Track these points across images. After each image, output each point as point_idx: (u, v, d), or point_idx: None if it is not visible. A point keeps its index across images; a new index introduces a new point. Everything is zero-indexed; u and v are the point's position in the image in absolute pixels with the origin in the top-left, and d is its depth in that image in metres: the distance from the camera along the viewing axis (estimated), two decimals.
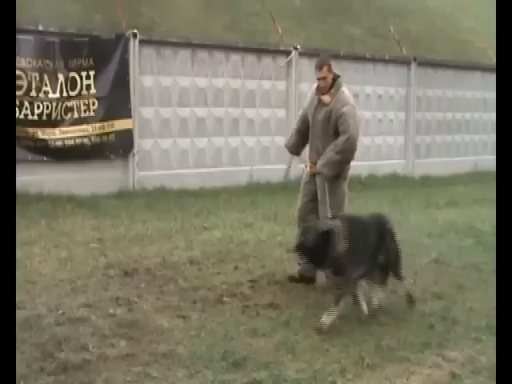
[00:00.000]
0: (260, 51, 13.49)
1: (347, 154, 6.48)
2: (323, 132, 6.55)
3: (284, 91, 13.80)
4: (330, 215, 6.26)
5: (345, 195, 6.64)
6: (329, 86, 6.59)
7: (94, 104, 11.24)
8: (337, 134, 6.45)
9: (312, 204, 6.71)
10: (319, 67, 6.59)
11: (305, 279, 6.67)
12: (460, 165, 16.49)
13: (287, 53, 13.78)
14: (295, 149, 7.10)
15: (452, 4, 20.64)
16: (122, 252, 7.70)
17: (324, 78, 6.57)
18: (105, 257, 7.46)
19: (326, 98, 6.55)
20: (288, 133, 13.66)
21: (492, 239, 8.77)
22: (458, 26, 19.60)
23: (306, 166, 6.92)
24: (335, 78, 6.62)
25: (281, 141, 13.68)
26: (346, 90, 6.64)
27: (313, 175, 6.71)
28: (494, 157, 17.61)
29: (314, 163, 6.65)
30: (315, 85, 6.77)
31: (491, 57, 18.07)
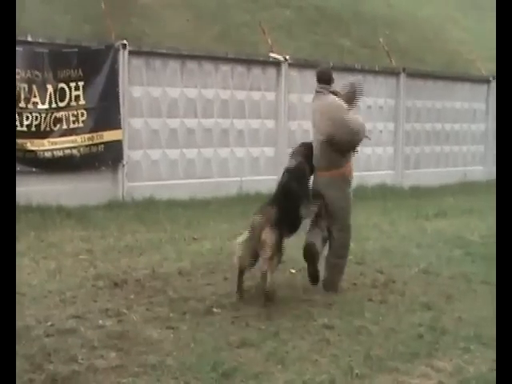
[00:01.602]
0: (249, 62, 13.53)
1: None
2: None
3: (273, 102, 13.84)
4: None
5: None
6: None
7: (83, 115, 11.23)
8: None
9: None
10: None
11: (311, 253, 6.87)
12: (449, 175, 16.57)
13: (276, 64, 13.82)
14: None
15: (441, 15, 20.82)
16: (112, 263, 7.69)
17: None
18: (94, 268, 7.45)
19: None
20: (278, 143, 13.83)
21: (481, 249, 8.89)
22: (447, 37, 19.75)
23: None
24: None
25: (270, 151, 13.76)
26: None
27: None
28: (482, 167, 17.77)
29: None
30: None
31: (480, 68, 18.22)
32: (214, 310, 6.19)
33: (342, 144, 6.66)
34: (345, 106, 6.70)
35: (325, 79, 6.84)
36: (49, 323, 5.62)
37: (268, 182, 13.39)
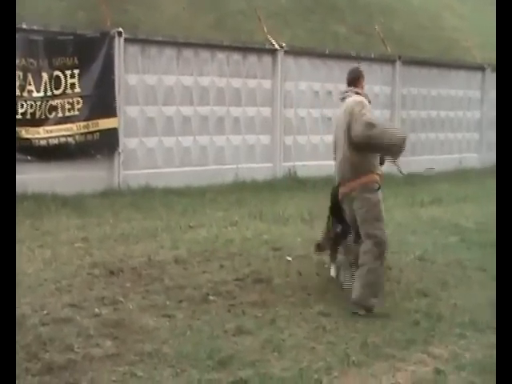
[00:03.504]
0: (245, 50, 13.48)
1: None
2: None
3: (269, 90, 13.80)
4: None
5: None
6: None
7: (78, 103, 11.19)
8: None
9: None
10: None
11: None
12: (444, 162, 16.57)
13: (272, 51, 13.78)
14: None
15: (436, 3, 20.73)
16: (107, 251, 7.67)
17: None
18: (90, 256, 7.43)
19: None
20: (273, 131, 13.82)
21: (476, 236, 8.90)
22: (443, 24, 19.69)
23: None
24: None
25: (266, 139, 13.74)
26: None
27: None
28: (477, 155, 17.79)
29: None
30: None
31: (475, 55, 18.19)
32: (211, 297, 6.19)
33: (378, 147, 5.98)
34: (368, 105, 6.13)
35: (350, 80, 6.34)
36: (44, 312, 5.61)
37: (264, 169, 13.45)
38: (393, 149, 5.98)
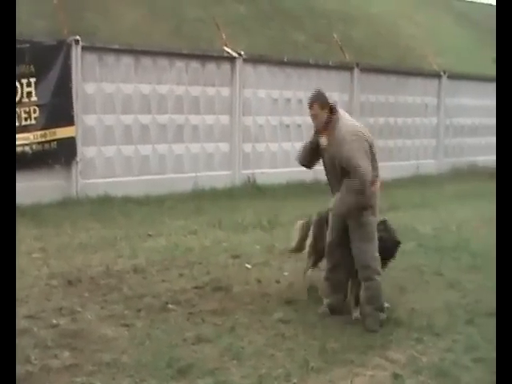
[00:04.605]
0: (204, 58, 13.48)
1: (357, 195, 5.71)
2: (334, 173, 5.91)
3: (228, 98, 13.81)
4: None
5: (373, 227, 5.96)
6: (323, 123, 5.87)
7: (35, 112, 11.05)
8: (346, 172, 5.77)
9: (340, 238, 6.03)
10: (309, 105, 5.90)
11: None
12: (402, 169, 16.74)
13: (231, 59, 13.81)
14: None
15: (394, 11, 21.01)
16: (66, 261, 7.60)
17: (315, 116, 5.87)
18: (47, 266, 7.36)
19: (323, 141, 5.90)
20: (232, 139, 13.83)
21: (433, 241, 9.02)
22: (400, 32, 19.95)
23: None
24: (333, 111, 5.89)
25: (225, 147, 13.75)
26: (344, 122, 5.91)
27: None
28: (433, 161, 18.03)
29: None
30: None
31: (431, 62, 18.47)
32: (170, 306, 6.18)
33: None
34: None
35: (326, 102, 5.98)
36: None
37: (223, 177, 13.46)
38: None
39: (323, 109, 5.86)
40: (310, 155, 6.13)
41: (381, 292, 5.93)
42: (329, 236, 6.16)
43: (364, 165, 5.72)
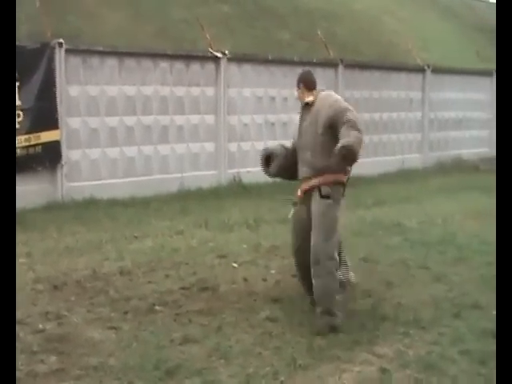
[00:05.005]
0: (188, 58, 13.46)
1: (357, 146, 5.43)
2: (313, 138, 5.69)
3: (213, 97, 13.79)
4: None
5: (337, 219, 5.74)
6: (300, 97, 5.90)
7: (19, 116, 10.95)
8: (328, 134, 5.60)
9: (308, 243, 5.72)
10: (296, 85, 5.93)
11: None
12: (387, 164, 16.78)
13: (215, 59, 13.79)
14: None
15: (377, 7, 21.07)
16: (51, 266, 7.56)
17: (301, 97, 5.89)
18: (33, 271, 7.31)
19: (310, 98, 5.78)
20: (218, 138, 13.82)
21: (418, 235, 9.06)
22: (383, 28, 20.01)
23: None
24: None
25: (210, 146, 13.74)
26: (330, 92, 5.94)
27: (304, 202, 5.83)
28: (419, 155, 18.08)
29: (308, 178, 5.77)
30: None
31: (415, 57, 18.52)
32: (156, 307, 6.16)
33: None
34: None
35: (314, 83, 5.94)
36: None
37: (209, 177, 13.45)
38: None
39: (309, 91, 5.83)
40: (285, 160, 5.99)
41: (331, 293, 5.69)
42: (295, 241, 5.97)
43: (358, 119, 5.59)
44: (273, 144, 6.37)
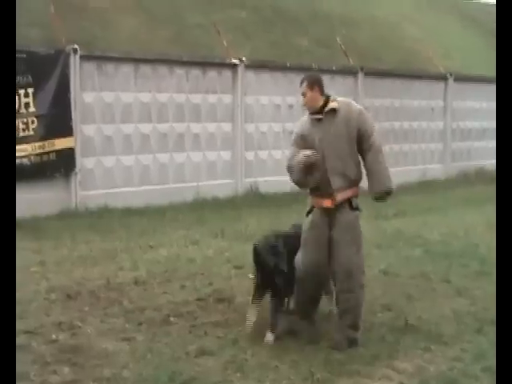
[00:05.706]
0: (205, 64, 13.38)
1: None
2: (344, 148, 5.48)
3: (230, 105, 13.71)
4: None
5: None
6: (312, 102, 5.66)
7: (33, 122, 10.95)
8: (355, 145, 5.49)
9: (326, 257, 5.54)
10: (300, 82, 5.75)
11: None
12: (408, 174, 16.58)
13: (232, 66, 13.70)
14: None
15: (397, 13, 20.89)
16: (65, 275, 7.49)
17: (304, 94, 5.67)
18: (46, 280, 7.24)
19: (334, 104, 5.55)
20: (234, 147, 13.70)
21: (440, 248, 8.89)
22: (404, 35, 19.82)
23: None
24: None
25: (227, 155, 13.64)
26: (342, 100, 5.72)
27: (327, 214, 5.55)
28: (440, 165, 17.88)
29: (341, 189, 5.49)
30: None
31: (437, 65, 18.34)
32: (171, 319, 6.07)
33: None
34: None
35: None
36: None
37: (225, 186, 13.33)
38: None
39: (312, 89, 5.63)
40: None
41: (361, 306, 5.56)
42: (314, 256, 5.55)
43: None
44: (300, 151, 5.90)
